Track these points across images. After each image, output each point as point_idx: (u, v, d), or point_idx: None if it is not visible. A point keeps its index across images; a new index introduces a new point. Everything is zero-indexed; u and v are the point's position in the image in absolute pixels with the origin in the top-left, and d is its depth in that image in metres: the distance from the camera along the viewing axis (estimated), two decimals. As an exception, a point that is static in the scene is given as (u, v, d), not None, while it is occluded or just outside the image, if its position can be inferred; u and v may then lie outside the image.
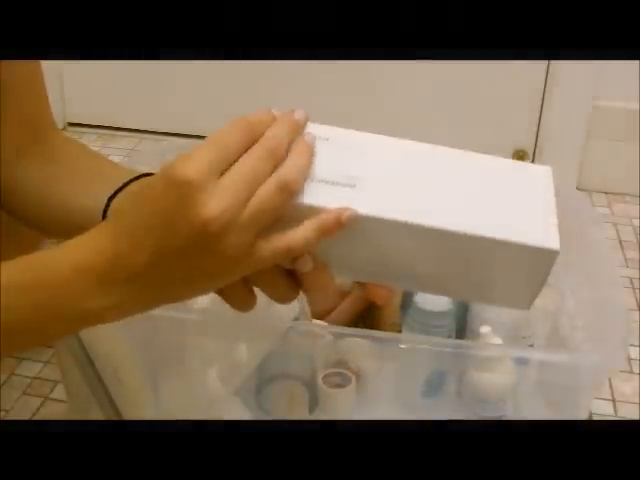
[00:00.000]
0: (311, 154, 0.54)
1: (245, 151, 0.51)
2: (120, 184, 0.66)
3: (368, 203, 0.54)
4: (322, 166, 0.55)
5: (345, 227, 0.53)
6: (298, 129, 0.55)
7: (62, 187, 0.70)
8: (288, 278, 0.56)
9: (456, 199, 0.55)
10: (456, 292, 0.60)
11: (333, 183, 0.54)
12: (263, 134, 0.52)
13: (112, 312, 0.53)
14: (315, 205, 0.53)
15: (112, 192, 0.66)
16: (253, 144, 0.52)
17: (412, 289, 0.60)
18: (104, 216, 0.66)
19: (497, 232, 0.54)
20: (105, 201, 0.66)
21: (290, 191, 0.52)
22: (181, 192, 0.49)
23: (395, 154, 0.57)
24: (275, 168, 0.52)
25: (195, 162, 0.49)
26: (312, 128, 0.56)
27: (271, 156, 0.52)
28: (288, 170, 0.52)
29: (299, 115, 0.55)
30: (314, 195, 0.53)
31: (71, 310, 0.52)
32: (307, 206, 0.53)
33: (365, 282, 0.60)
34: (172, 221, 0.49)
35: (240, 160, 0.51)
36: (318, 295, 0.57)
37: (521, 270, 0.55)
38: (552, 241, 0.54)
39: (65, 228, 0.72)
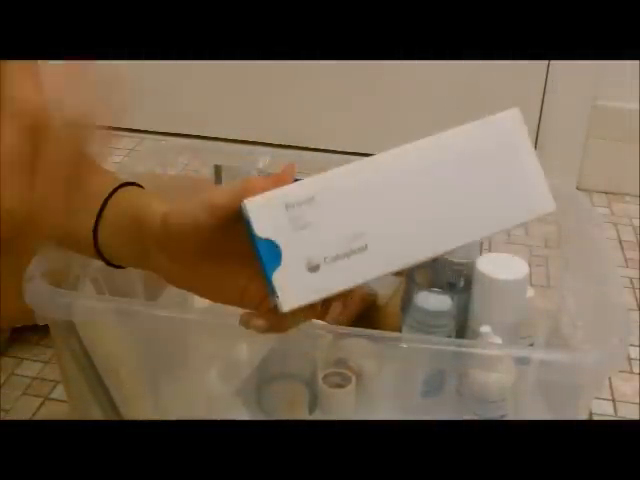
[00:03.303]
0: None
1: None
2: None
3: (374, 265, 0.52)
4: (323, 238, 0.51)
5: None
6: None
7: None
8: None
9: (436, 215, 0.54)
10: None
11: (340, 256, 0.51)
12: None
13: None
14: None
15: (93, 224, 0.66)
16: None
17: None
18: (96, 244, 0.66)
19: (489, 229, 0.53)
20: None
21: None
22: None
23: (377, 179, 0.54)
24: None
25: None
26: (293, 188, 0.52)
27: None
28: None
29: None
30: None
31: None
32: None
33: None
34: None
35: None
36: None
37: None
38: (546, 204, 0.53)
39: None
